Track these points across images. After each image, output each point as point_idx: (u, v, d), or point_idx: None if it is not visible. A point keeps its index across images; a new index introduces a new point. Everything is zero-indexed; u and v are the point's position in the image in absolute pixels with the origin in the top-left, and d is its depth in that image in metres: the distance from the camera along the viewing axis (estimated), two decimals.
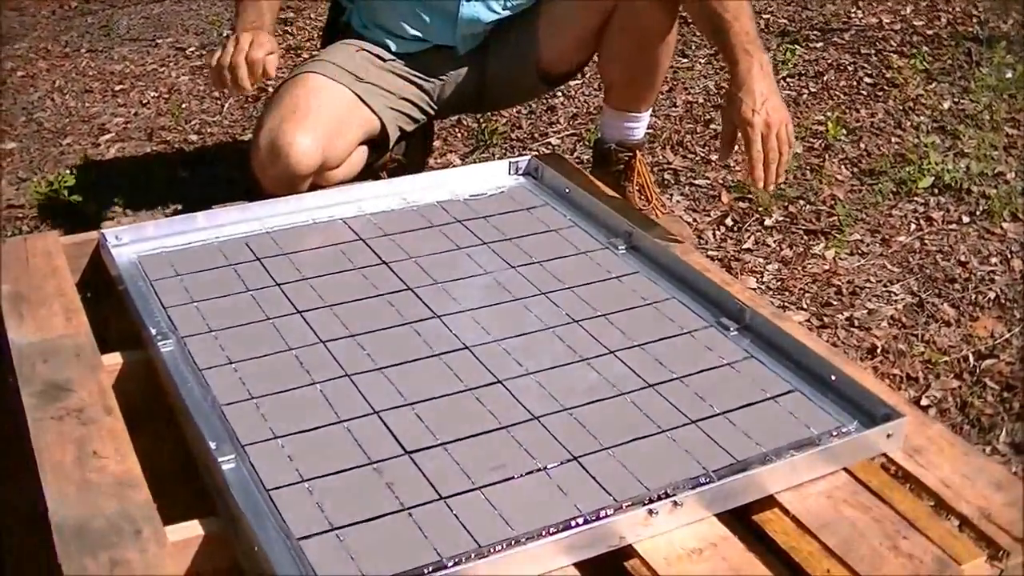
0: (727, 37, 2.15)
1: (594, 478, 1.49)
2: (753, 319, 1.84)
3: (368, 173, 2.55)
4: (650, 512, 1.40)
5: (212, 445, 1.50)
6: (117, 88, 3.89)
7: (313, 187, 2.33)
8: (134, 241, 2.06)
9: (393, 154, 2.62)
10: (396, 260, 2.03)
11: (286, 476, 1.48)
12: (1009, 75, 3.82)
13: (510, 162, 2.37)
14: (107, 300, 1.98)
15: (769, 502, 1.52)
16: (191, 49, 4.24)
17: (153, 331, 1.76)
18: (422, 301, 1.91)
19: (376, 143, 2.51)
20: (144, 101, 3.77)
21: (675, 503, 1.42)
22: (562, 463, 1.52)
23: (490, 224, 2.17)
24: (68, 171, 3.05)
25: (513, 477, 1.49)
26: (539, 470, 1.50)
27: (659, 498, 1.43)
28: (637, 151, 2.61)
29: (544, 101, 3.57)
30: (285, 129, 2.27)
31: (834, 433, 1.59)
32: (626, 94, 2.56)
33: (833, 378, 1.69)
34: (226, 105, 3.68)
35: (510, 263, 2.03)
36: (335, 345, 1.78)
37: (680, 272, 1.99)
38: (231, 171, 3.16)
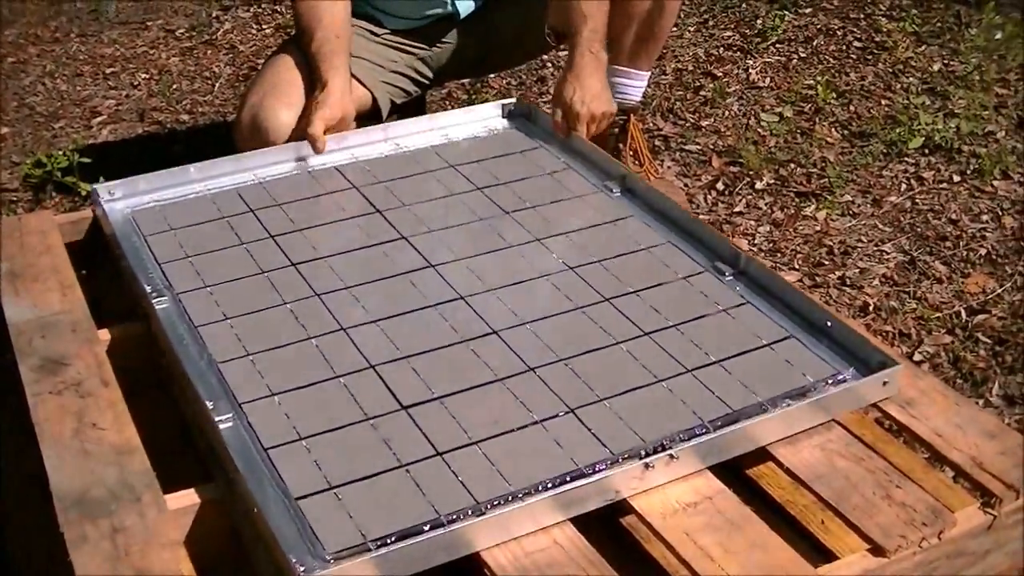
0: (578, 33, 2.28)
1: (590, 430, 1.49)
2: (748, 264, 1.84)
3: None
4: (646, 466, 1.41)
5: (209, 404, 1.51)
6: (108, 71, 3.89)
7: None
8: (127, 196, 2.05)
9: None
10: (390, 208, 2.02)
11: (283, 434, 1.48)
12: (998, 36, 3.82)
13: (503, 104, 2.36)
14: (102, 275, 1.99)
15: (763, 455, 1.53)
16: (181, 31, 4.24)
17: (148, 288, 1.77)
18: (416, 250, 1.90)
19: (367, 116, 2.51)
20: (135, 83, 3.77)
21: (671, 456, 1.43)
22: (558, 415, 1.52)
23: (483, 168, 2.16)
24: (61, 153, 3.05)
25: (510, 431, 1.49)
26: (535, 423, 1.51)
27: (654, 451, 1.44)
28: (632, 114, 2.61)
29: (534, 71, 3.58)
30: (266, 105, 2.26)
31: (830, 381, 1.60)
32: (630, 49, 2.55)
33: (828, 324, 1.69)
34: (216, 84, 3.69)
35: (504, 209, 2.02)
36: (330, 298, 1.77)
37: (675, 216, 1.98)
38: (224, 149, 3.15)
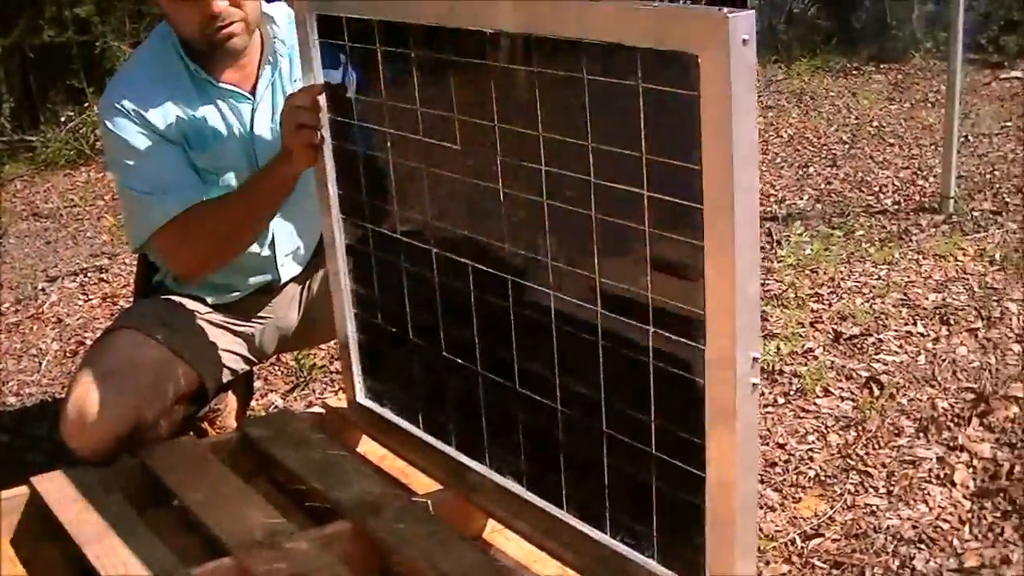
0: None
1: None
2: None
3: (189, 426, 2.53)
4: None
5: None
6: None
7: (129, 448, 2.30)
8: None
9: (213, 404, 2.61)
10: None
11: None
12: (808, 251, 4.00)
13: None
14: None
15: None
16: (6, 305, 4.20)
17: None
18: None
19: (196, 395, 2.49)
20: None
21: None
22: None
23: None
24: None
25: None
26: None
27: None
28: None
29: None
30: (93, 396, 2.23)
31: None
32: None
33: None
34: (44, 362, 3.64)
35: None
36: None
37: None
38: (54, 432, 3.10)
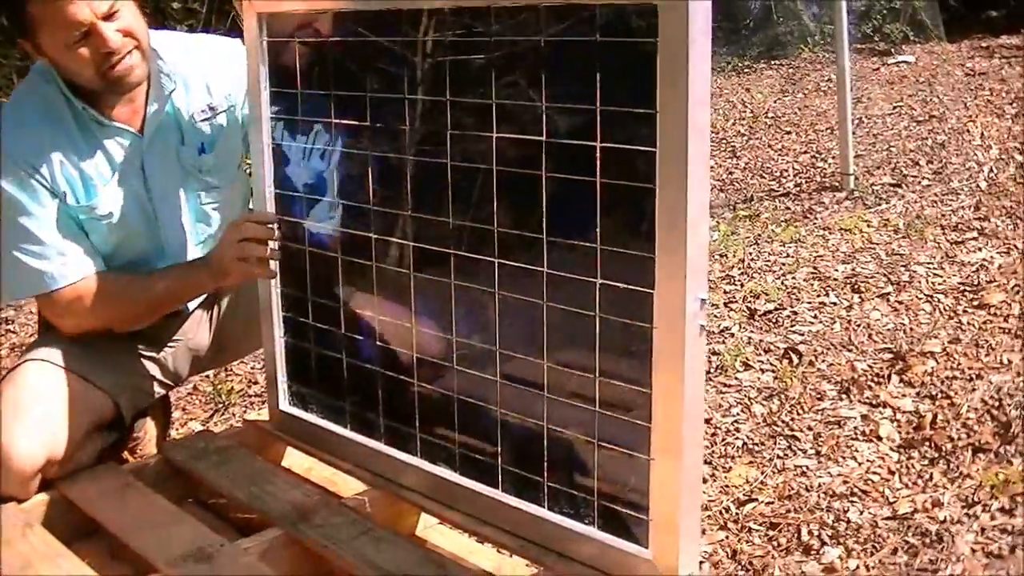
0: None
1: None
2: None
3: (110, 454, 2.47)
4: None
5: None
6: None
7: (46, 481, 2.24)
8: None
9: (133, 432, 2.56)
10: None
11: None
12: (715, 236, 4.03)
13: None
14: None
15: None
16: None
17: None
18: None
19: (113, 424, 2.43)
20: None
21: None
22: None
23: None
24: None
25: None
26: None
27: None
28: None
29: None
30: (7, 433, 2.17)
31: None
32: None
33: None
34: None
35: None
36: None
37: None
38: None
